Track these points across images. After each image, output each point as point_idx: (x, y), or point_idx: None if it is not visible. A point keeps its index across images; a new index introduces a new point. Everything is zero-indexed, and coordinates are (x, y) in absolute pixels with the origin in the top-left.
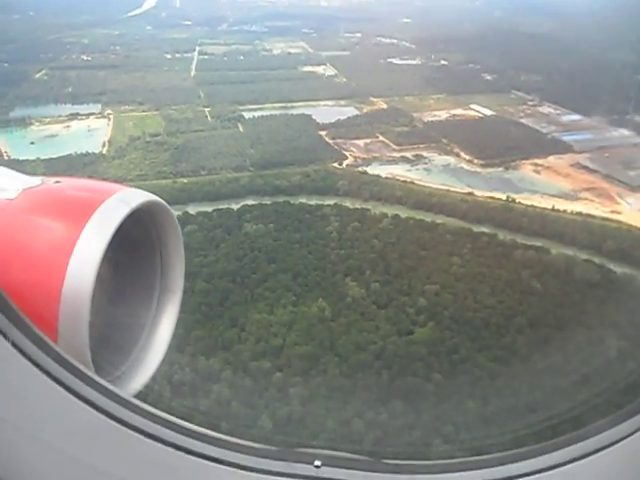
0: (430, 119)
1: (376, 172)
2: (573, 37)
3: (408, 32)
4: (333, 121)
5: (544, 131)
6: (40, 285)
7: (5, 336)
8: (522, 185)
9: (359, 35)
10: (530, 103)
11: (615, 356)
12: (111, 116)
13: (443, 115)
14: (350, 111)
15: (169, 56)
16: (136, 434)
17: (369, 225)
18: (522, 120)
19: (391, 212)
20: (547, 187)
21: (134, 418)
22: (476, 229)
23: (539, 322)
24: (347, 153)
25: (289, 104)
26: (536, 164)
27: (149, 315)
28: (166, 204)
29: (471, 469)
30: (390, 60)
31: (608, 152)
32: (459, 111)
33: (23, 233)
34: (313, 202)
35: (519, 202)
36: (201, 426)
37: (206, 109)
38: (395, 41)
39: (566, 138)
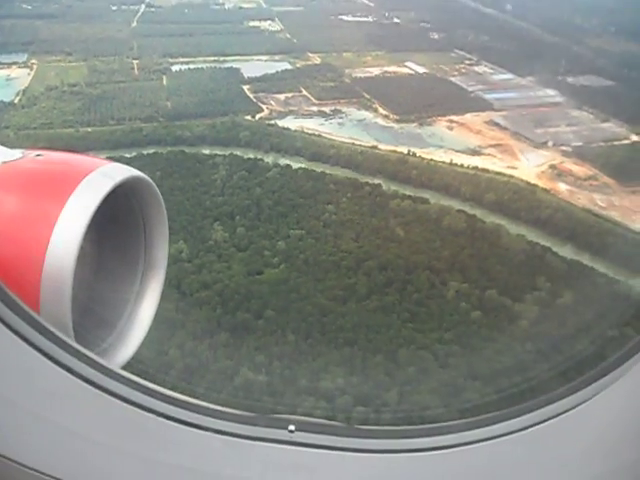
0: (360, 75)
1: (286, 125)
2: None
3: None
4: (260, 75)
5: (470, 89)
6: (22, 258)
7: None
8: (430, 140)
9: None
10: (467, 62)
11: (452, 296)
12: (34, 66)
13: (375, 72)
14: (282, 66)
15: (114, 7)
16: (117, 401)
17: (256, 174)
18: (452, 78)
19: (285, 162)
20: (454, 143)
21: (114, 385)
22: (362, 179)
23: (388, 266)
24: (264, 106)
25: (222, 58)
26: (451, 120)
27: (133, 290)
28: (150, 179)
29: (442, 434)
30: (341, 17)
31: (525, 110)
32: (393, 68)
33: (4, 207)
34: (209, 152)
35: (419, 156)
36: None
37: (135, 61)
38: None
39: (489, 96)
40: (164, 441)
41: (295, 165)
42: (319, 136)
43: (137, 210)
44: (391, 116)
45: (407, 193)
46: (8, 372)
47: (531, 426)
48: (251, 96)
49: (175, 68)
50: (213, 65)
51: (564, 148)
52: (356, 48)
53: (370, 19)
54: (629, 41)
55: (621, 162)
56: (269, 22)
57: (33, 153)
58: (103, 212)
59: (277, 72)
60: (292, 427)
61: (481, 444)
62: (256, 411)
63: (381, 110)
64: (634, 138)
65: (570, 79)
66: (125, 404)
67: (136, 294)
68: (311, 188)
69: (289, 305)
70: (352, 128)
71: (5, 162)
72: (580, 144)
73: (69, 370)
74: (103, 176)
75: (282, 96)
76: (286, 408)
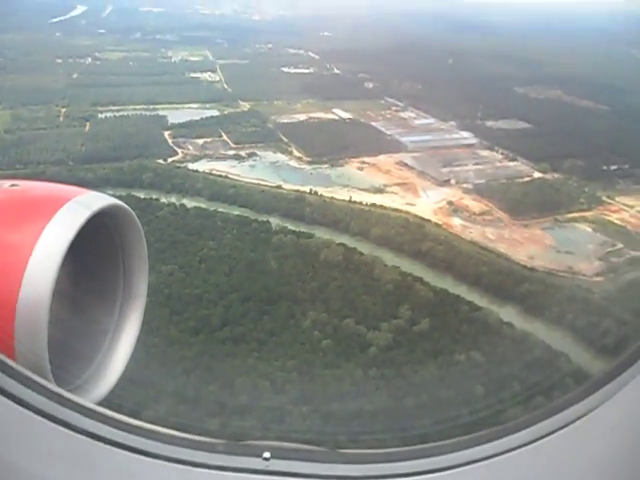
0: (285, 121)
1: (197, 167)
2: (481, 52)
3: (321, 44)
4: (184, 121)
5: (388, 133)
6: None
7: None
8: (338, 180)
9: (270, 46)
10: (394, 108)
11: (307, 326)
12: None
13: (300, 118)
14: (210, 113)
15: (60, 61)
16: (91, 440)
17: (147, 213)
18: (374, 123)
19: (183, 202)
20: (361, 182)
21: (88, 423)
22: (253, 217)
23: (251, 297)
24: (180, 150)
25: (152, 106)
26: (363, 162)
27: (112, 321)
28: (129, 208)
29: (426, 456)
30: (283, 69)
31: (437, 152)
32: (319, 114)
33: None
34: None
35: (319, 194)
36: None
37: (63, 109)
38: (302, 52)
39: (405, 139)
40: (138, 476)
41: (191, 204)
42: (225, 177)
43: (116, 239)
44: (304, 158)
45: (294, 229)
46: None
47: (531, 442)
48: (170, 141)
49: (102, 115)
50: (141, 113)
51: (465, 186)
52: (287, 97)
53: (311, 70)
54: (556, 89)
55: (517, 198)
56: (209, 73)
57: (8, 183)
58: (80, 242)
59: (202, 119)
60: (267, 454)
61: (478, 464)
62: (224, 437)
63: (296, 153)
64: (536, 175)
65: (490, 123)
66: (100, 443)
67: (115, 325)
68: (198, 225)
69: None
70: (263, 170)
71: None
72: (482, 181)
73: (40, 412)
74: (80, 205)
75: (201, 141)
76: (257, 434)
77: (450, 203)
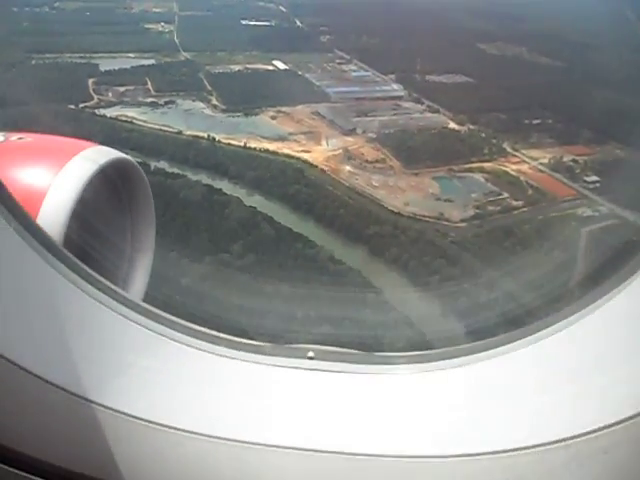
0: (218, 71)
1: (105, 113)
2: (462, 8)
3: None
4: (113, 69)
5: (318, 84)
6: None
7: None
8: (245, 128)
9: None
10: (337, 61)
11: None
12: None
13: (236, 68)
14: (147, 62)
15: (16, 9)
16: (142, 328)
17: None
18: (307, 74)
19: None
20: (268, 131)
21: (135, 316)
22: (140, 160)
23: None
24: (97, 97)
25: (90, 55)
26: (279, 111)
27: (119, 276)
28: (135, 162)
29: (466, 354)
30: (242, 21)
31: (358, 103)
32: (258, 66)
33: None
34: None
35: (216, 140)
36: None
37: None
38: (272, 5)
39: (330, 90)
40: (186, 369)
41: None
42: (130, 122)
43: (123, 194)
44: (220, 107)
45: (169, 171)
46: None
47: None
48: (91, 88)
49: (33, 62)
50: (73, 61)
51: (370, 135)
52: (232, 48)
53: (272, 23)
54: (521, 46)
55: (417, 147)
56: (162, 24)
57: (15, 136)
58: (88, 196)
59: (132, 67)
60: (311, 354)
61: (494, 359)
62: (271, 341)
63: (215, 102)
64: (451, 127)
65: (431, 77)
66: (149, 331)
67: (123, 281)
68: None
69: None
70: (174, 117)
71: None
72: (390, 131)
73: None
74: (88, 159)
75: (123, 88)
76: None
77: (346, 151)
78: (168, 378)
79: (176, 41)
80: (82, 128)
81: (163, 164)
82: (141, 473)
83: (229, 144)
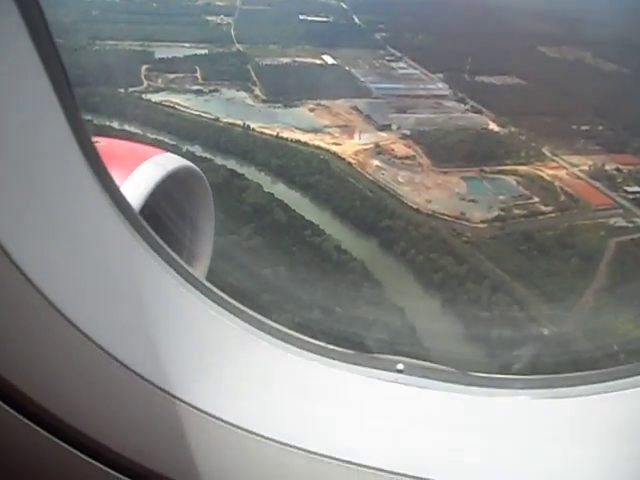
0: (266, 63)
1: (151, 98)
2: (521, 9)
3: None
4: (167, 57)
5: (362, 79)
6: None
7: None
8: (282, 119)
9: None
10: (387, 58)
11: None
12: None
13: (285, 61)
14: (200, 52)
15: None
16: (226, 321)
17: None
18: (354, 70)
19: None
20: (304, 122)
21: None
22: (174, 142)
23: None
24: (146, 82)
25: (148, 43)
26: (319, 104)
27: None
28: (200, 171)
29: (556, 386)
30: (300, 16)
31: (399, 99)
32: (307, 59)
33: None
34: None
35: (251, 128)
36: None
37: (60, 40)
38: (334, 2)
39: (373, 85)
40: (281, 374)
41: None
42: (173, 107)
43: (185, 200)
44: (263, 98)
45: (199, 155)
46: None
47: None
48: (143, 74)
49: (95, 48)
50: (131, 48)
51: (404, 132)
52: (285, 42)
53: (330, 19)
54: (586, 51)
55: (450, 146)
56: (222, 17)
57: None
58: (154, 200)
59: (185, 56)
60: (401, 367)
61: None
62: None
63: (257, 92)
64: (491, 127)
65: (482, 78)
66: (241, 331)
67: None
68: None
69: None
70: (216, 104)
71: None
72: (426, 129)
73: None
74: (156, 165)
75: (172, 75)
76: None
77: (377, 145)
78: (257, 382)
79: (232, 33)
80: (126, 110)
81: (196, 148)
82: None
83: (262, 133)
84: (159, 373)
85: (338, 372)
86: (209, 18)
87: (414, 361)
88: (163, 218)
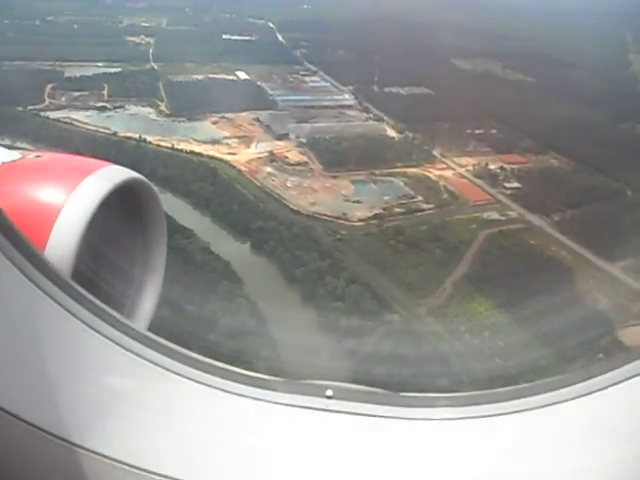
0: (178, 80)
1: (50, 115)
2: (453, 27)
3: (289, 15)
4: (75, 76)
5: (271, 92)
6: None
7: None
8: (184, 132)
9: (233, 16)
10: (302, 73)
11: None
12: None
13: (198, 77)
14: (113, 70)
15: (7, 21)
16: (146, 362)
17: None
18: (265, 84)
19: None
20: (205, 135)
21: (139, 347)
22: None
23: None
24: (49, 100)
25: (60, 63)
26: (223, 117)
27: (129, 295)
28: (149, 182)
29: (491, 402)
30: (224, 36)
31: (303, 110)
32: (222, 76)
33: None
34: None
35: (147, 142)
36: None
37: None
38: (262, 21)
39: (280, 98)
40: (195, 407)
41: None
42: (70, 124)
43: (135, 213)
44: (167, 112)
45: None
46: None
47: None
48: (47, 92)
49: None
50: (40, 68)
51: (301, 140)
52: (202, 59)
53: (253, 38)
54: (498, 63)
55: (342, 152)
56: (142, 37)
57: (32, 154)
58: (101, 215)
59: (94, 74)
60: (330, 393)
61: (528, 412)
62: (288, 377)
63: (162, 107)
64: (388, 133)
65: (391, 89)
66: (153, 366)
67: (132, 299)
68: None
69: None
70: (118, 120)
71: (4, 163)
72: (323, 137)
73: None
74: (102, 178)
75: (78, 93)
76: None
77: (271, 154)
78: (159, 417)
79: (150, 52)
80: (20, 127)
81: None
82: None
83: (158, 145)
84: (54, 420)
85: (261, 403)
86: (130, 38)
87: (343, 384)
88: (112, 232)
